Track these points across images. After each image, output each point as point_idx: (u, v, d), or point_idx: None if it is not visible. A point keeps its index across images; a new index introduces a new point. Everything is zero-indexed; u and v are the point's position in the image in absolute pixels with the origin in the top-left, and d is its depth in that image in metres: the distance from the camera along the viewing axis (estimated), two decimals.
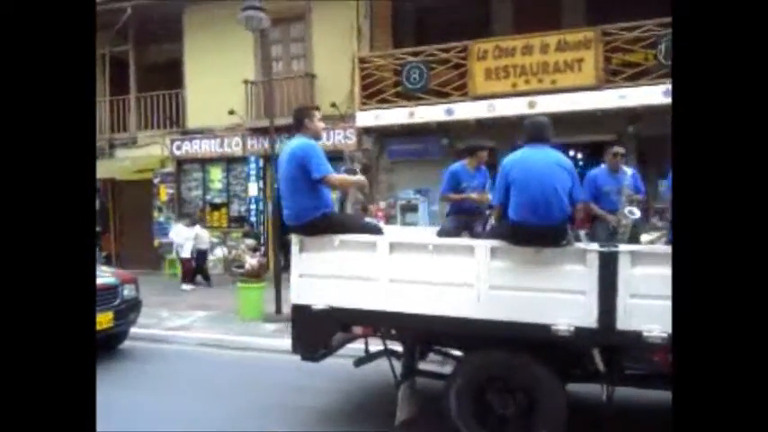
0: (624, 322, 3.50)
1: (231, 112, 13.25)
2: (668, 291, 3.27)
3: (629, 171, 5.76)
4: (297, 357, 4.47)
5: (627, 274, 3.50)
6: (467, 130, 11.42)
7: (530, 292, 3.68)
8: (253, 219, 13.76)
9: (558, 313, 3.61)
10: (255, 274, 8.99)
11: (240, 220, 14.07)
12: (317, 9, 13.13)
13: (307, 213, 4.14)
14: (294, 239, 4.23)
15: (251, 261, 9.30)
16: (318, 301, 4.10)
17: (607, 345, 3.71)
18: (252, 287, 8.85)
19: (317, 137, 4.42)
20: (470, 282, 3.78)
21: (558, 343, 3.68)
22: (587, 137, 10.69)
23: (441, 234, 5.92)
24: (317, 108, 4.60)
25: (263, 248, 12.66)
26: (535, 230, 3.67)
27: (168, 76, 14.87)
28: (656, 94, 9.68)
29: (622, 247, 3.61)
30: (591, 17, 11.49)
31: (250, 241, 10.72)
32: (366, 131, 12.33)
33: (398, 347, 4.63)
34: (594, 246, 3.70)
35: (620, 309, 3.51)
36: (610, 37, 10.18)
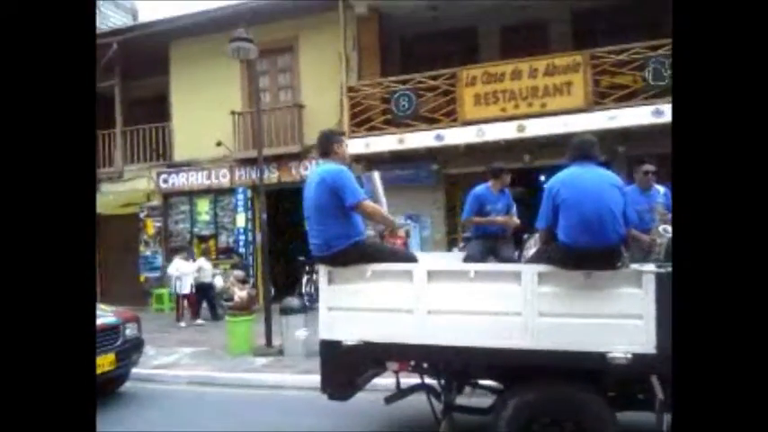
0: None
1: (218, 144, 13.12)
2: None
3: (661, 189, 5.48)
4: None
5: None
6: (456, 156, 11.35)
7: (582, 318, 3.47)
8: (241, 250, 13.51)
9: (613, 340, 3.41)
10: (244, 307, 8.71)
11: (228, 252, 13.82)
12: (303, 40, 13.17)
13: (338, 242, 3.87)
14: (322, 271, 3.96)
15: (240, 293, 9.03)
16: (350, 337, 3.82)
17: (666, 371, 3.48)
18: (240, 320, 8.55)
19: (345, 162, 4.20)
20: (517, 310, 3.55)
21: (614, 371, 3.47)
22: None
23: (467, 260, 5.69)
24: (344, 133, 4.45)
25: (252, 280, 12.37)
26: (589, 252, 3.46)
27: (154, 109, 14.78)
28: (644, 115, 9.70)
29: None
30: (578, 41, 11.59)
31: (239, 273, 10.43)
32: (356, 159, 12.22)
33: (430, 382, 4.39)
34: (650, 267, 3.48)
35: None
36: (598, 60, 10.23)
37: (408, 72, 11.83)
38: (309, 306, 9.14)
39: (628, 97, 10.07)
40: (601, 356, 3.40)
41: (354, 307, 3.85)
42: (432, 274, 3.73)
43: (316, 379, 6.81)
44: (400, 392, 4.48)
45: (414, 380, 4.42)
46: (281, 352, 8.08)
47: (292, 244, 13.53)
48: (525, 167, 11.09)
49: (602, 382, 3.70)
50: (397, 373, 4.36)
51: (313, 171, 4.17)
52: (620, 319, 3.42)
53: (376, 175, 4.61)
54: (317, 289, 12.35)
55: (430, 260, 4.98)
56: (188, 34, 13.72)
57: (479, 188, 6.11)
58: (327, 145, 4.20)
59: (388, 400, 4.44)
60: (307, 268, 12.34)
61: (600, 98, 10.22)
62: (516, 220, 6.09)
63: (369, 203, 3.99)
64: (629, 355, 3.37)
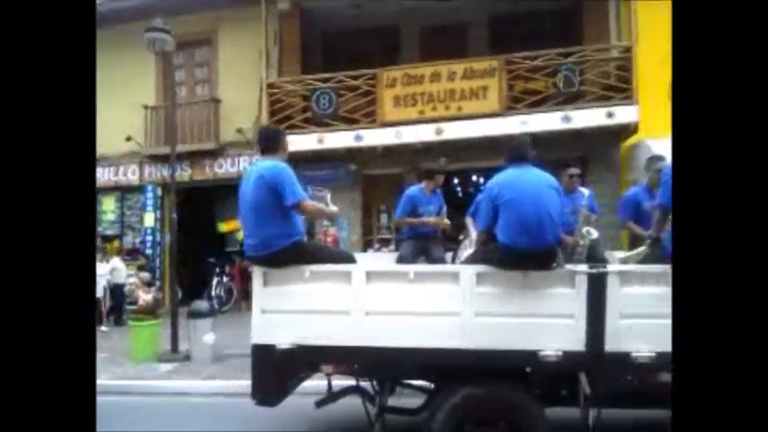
0: (612, 344, 3.45)
1: (128, 139, 12.54)
2: (656, 310, 3.42)
3: (585, 192, 5.62)
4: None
5: (615, 294, 3.45)
6: (374, 157, 11.34)
7: (517, 317, 3.54)
8: (149, 251, 12.97)
9: (546, 338, 3.50)
10: (149, 311, 8.33)
11: (134, 253, 13.22)
12: (223, 33, 12.80)
13: (276, 242, 3.75)
14: (257, 272, 3.82)
15: (144, 296, 8.64)
16: (285, 340, 3.71)
17: (595, 367, 3.57)
18: (145, 325, 8.16)
19: (285, 160, 4.04)
20: (455, 310, 3.57)
21: (545, 369, 3.57)
22: (491, 162, 10.84)
23: (399, 260, 5.69)
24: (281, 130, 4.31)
25: (158, 282, 11.88)
26: (528, 253, 3.52)
27: None
28: (555, 120, 10.01)
29: (611, 268, 3.55)
30: (495, 46, 11.83)
31: (144, 275, 9.96)
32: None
33: (362, 384, 4.32)
34: (584, 267, 3.58)
35: (609, 330, 3.45)
36: (513, 65, 10.46)
37: (330, 70, 11.71)
38: (219, 309, 8.87)
39: (539, 103, 10.37)
40: (533, 355, 3.48)
41: (290, 309, 3.76)
42: (371, 275, 3.70)
43: (224, 384, 6.74)
44: (332, 396, 4.37)
45: (345, 382, 4.36)
46: (187, 357, 7.81)
47: (203, 245, 13.12)
48: (441, 170, 11.19)
49: (533, 380, 3.77)
50: (329, 376, 4.24)
51: (251, 167, 4.01)
52: (552, 319, 3.51)
53: (327, 195, 4.59)
54: (227, 291, 12.20)
55: (366, 261, 4.92)
56: (99, 23, 12.98)
57: (412, 189, 6.15)
58: (268, 141, 4.06)
59: (319, 403, 4.34)
60: (217, 270, 12.02)
61: (514, 103, 10.47)
62: (447, 222, 6.14)
63: (309, 202, 3.90)
64: (560, 353, 3.46)
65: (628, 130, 10.08)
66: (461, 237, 5.18)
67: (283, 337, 3.72)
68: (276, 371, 3.86)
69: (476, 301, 3.55)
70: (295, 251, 3.79)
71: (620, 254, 4.78)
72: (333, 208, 4.28)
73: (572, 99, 10.14)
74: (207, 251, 12.70)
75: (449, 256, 5.84)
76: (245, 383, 6.48)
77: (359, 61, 11.68)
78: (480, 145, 10.32)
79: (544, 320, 3.51)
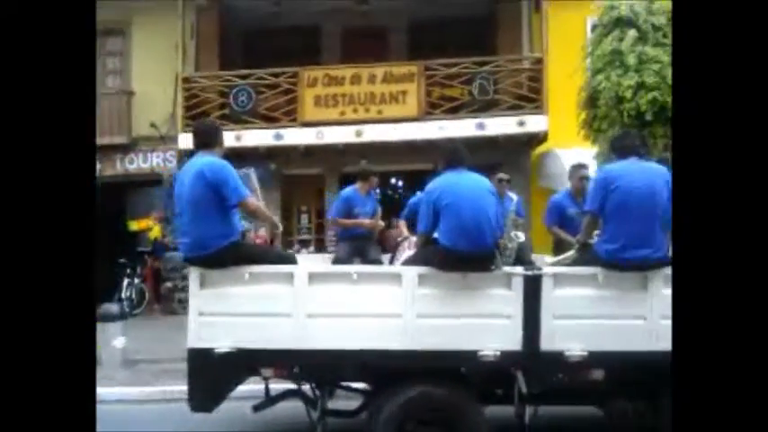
0: (547, 343, 3.59)
1: None
2: (587, 311, 3.67)
3: (514, 197, 5.82)
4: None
5: (549, 296, 3.59)
6: (295, 156, 11.32)
7: (458, 318, 3.62)
8: None
9: (485, 339, 3.60)
10: None
11: None
12: (138, 24, 12.32)
13: (214, 242, 3.61)
14: (194, 273, 3.67)
15: None
16: (223, 344, 3.61)
17: (531, 366, 3.71)
18: None
19: (223, 156, 3.91)
20: (398, 311, 3.61)
21: (483, 369, 3.68)
22: (409, 165, 11.16)
23: (335, 262, 5.62)
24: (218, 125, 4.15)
25: None
26: (468, 255, 3.61)
27: None
28: (470, 127, 10.42)
29: (546, 270, 3.70)
30: (414, 52, 12.11)
31: None
32: (189, 154, 11.66)
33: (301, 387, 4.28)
34: (520, 269, 3.70)
35: (544, 330, 3.59)
36: (431, 72, 10.78)
37: (250, 67, 11.56)
38: (129, 312, 8.58)
39: (456, 109, 10.74)
40: (473, 355, 3.57)
41: (229, 312, 3.66)
42: (313, 277, 3.66)
43: (138, 391, 6.51)
44: (270, 400, 4.27)
45: (283, 386, 4.30)
46: (96, 362, 7.49)
47: (113, 244, 12.57)
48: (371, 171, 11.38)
49: (472, 380, 3.86)
50: (266, 380, 4.18)
51: (189, 163, 3.83)
52: (491, 319, 3.62)
53: (253, 174, 4.44)
54: (138, 293, 11.78)
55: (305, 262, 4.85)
56: None
57: (348, 190, 6.17)
58: (209, 135, 3.90)
59: (257, 408, 4.23)
60: (127, 271, 11.56)
61: (431, 108, 10.78)
62: (382, 223, 6.18)
63: (253, 201, 3.82)
64: (499, 353, 3.57)
65: (538, 138, 10.64)
66: (399, 239, 5.22)
67: (222, 340, 3.62)
68: (214, 375, 3.74)
69: (418, 303, 3.61)
70: (234, 252, 3.69)
71: (549, 258, 4.95)
72: (243, 171, 4.17)
73: (486, 107, 10.58)
74: (117, 251, 12.19)
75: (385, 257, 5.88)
76: (159, 389, 6.36)
77: (279, 59, 11.60)
78: (399, 148, 10.56)
79: (483, 321, 3.62)
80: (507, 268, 3.72)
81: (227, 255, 3.65)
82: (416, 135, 10.48)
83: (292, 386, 4.21)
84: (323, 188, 11.84)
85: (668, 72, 7.28)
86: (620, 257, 3.61)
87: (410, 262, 4.00)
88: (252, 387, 4.34)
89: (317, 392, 4.16)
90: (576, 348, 3.57)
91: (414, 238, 4.54)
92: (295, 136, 10.97)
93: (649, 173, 3.73)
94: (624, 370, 3.82)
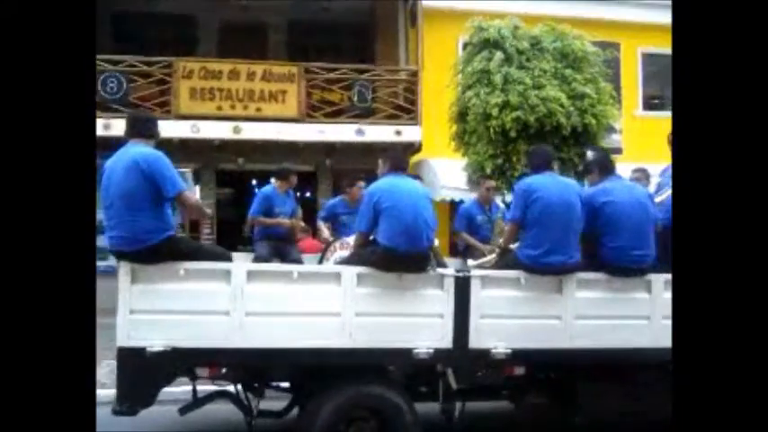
0: (475, 341, 3.80)
1: None
2: (510, 311, 3.90)
3: (501, 205, 6.09)
4: None
5: (477, 296, 3.81)
6: (168, 150, 10.85)
7: (394, 317, 3.75)
8: None
9: (419, 337, 3.74)
10: None
11: None
12: None
13: (149, 236, 3.46)
14: (124, 269, 3.49)
15: None
16: (156, 342, 3.47)
17: (460, 363, 3.89)
18: None
19: (156, 147, 3.75)
20: (337, 310, 3.67)
21: (417, 366, 3.82)
22: (288, 167, 11.16)
23: (256, 260, 5.51)
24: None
25: None
26: (408, 256, 3.76)
27: None
28: (349, 132, 10.71)
29: (474, 272, 3.92)
30: (294, 52, 12.17)
31: None
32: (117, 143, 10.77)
33: (230, 388, 4.19)
34: (451, 271, 3.91)
35: (472, 329, 3.79)
36: (311, 74, 10.90)
37: (119, 53, 10.91)
38: None
39: (335, 114, 10.99)
40: (408, 353, 3.72)
41: (163, 309, 3.53)
42: (252, 274, 3.62)
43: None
44: (197, 401, 4.14)
45: (211, 388, 4.19)
46: None
47: None
48: (238, 170, 11.21)
49: (404, 377, 4.02)
50: (194, 381, 4.07)
51: (119, 153, 3.63)
52: (425, 318, 3.80)
53: (189, 174, 4.36)
54: None
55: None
56: None
57: (266, 188, 6.11)
58: (143, 125, 3.75)
59: (183, 410, 4.08)
60: None
61: (312, 111, 10.92)
62: (302, 223, 6.16)
63: (190, 194, 3.70)
64: (432, 351, 3.74)
65: (413, 148, 11.18)
66: (331, 239, 5.28)
67: (155, 339, 3.50)
68: (146, 376, 3.58)
69: (356, 302, 3.69)
70: (169, 247, 3.57)
71: (471, 261, 5.16)
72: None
73: (366, 114, 10.92)
74: None
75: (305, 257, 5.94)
76: None
77: (153, 48, 11.11)
78: (279, 148, 10.57)
79: (417, 320, 3.79)
80: (440, 269, 3.93)
81: (163, 250, 3.53)
82: (297, 136, 10.57)
83: (220, 387, 4.15)
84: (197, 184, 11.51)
85: (531, 94, 8.09)
86: (541, 262, 3.90)
87: (347, 261, 4.08)
88: (174, 389, 4.20)
89: (249, 393, 4.10)
90: (500, 346, 3.83)
91: (347, 239, 4.67)
92: (169, 128, 10.49)
93: (564, 186, 4.12)
94: (542, 367, 4.19)
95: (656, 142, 10.49)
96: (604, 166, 4.43)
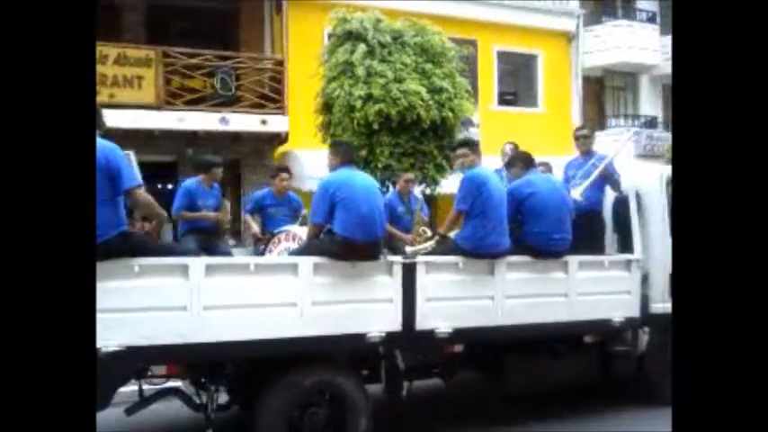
0: (421, 323, 4.06)
1: None
2: (451, 293, 4.21)
3: (419, 197, 6.12)
4: None
5: (422, 281, 4.08)
6: None
7: (349, 304, 3.91)
8: None
9: (371, 322, 3.94)
10: None
11: None
12: None
13: (104, 231, 3.28)
14: None
15: None
16: (111, 342, 3.33)
17: (408, 344, 4.17)
18: None
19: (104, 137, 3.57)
20: (293, 300, 3.76)
21: (369, 349, 4.06)
22: (145, 156, 10.56)
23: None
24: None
25: None
26: (363, 245, 3.94)
27: None
28: (213, 121, 10.33)
29: (419, 259, 4.19)
30: (152, 36, 11.49)
31: None
32: None
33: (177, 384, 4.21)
34: (399, 258, 4.14)
35: (418, 312, 4.05)
36: (170, 59, 10.35)
37: None
38: None
39: (197, 101, 10.53)
40: (362, 337, 3.89)
41: (117, 307, 3.39)
42: (210, 268, 3.61)
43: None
44: (143, 401, 4.03)
45: (156, 386, 4.14)
46: None
47: None
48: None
49: (357, 361, 4.22)
50: (139, 380, 4.02)
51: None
52: (376, 304, 3.98)
53: (132, 155, 4.25)
54: None
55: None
56: None
57: (189, 182, 5.88)
58: (99, 117, 3.59)
59: (130, 410, 3.98)
60: None
61: (171, 98, 10.39)
62: (229, 217, 6.14)
63: (143, 191, 3.66)
64: (383, 334, 3.93)
65: (280, 138, 11.03)
66: (276, 231, 5.17)
67: (109, 338, 3.35)
68: (103, 377, 3.35)
69: (313, 291, 3.79)
70: (123, 242, 3.46)
71: (410, 248, 5.31)
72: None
73: (230, 102, 10.59)
74: None
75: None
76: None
77: None
78: (136, 137, 9.93)
79: (370, 306, 3.97)
80: (389, 257, 4.14)
81: (117, 245, 3.42)
82: (154, 124, 10.01)
83: (165, 386, 4.15)
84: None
85: (393, 87, 8.29)
86: (480, 248, 4.27)
87: (301, 252, 4.16)
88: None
89: (207, 388, 4.05)
90: (443, 326, 4.14)
91: (293, 230, 4.77)
92: None
93: (499, 179, 4.64)
94: (478, 344, 4.55)
95: (510, 135, 11.31)
96: (527, 161, 4.92)
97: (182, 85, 10.64)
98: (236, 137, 10.67)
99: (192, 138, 10.65)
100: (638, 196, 5.17)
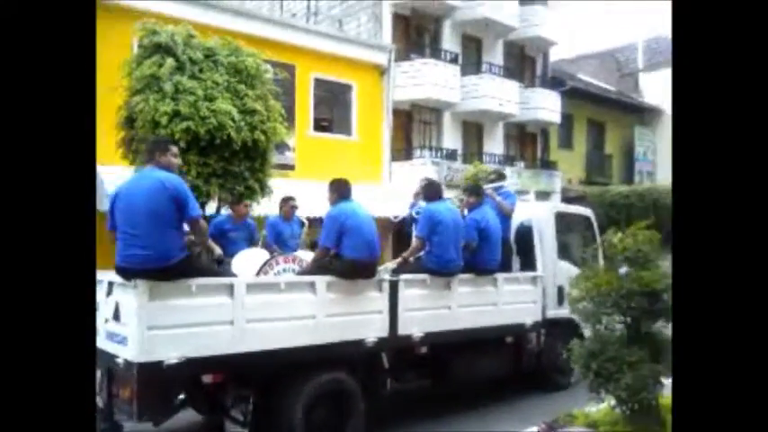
0: (402, 329, 5.04)
1: None
2: (421, 304, 5.23)
3: (304, 221, 6.85)
4: None
5: (403, 295, 5.07)
6: None
7: (351, 315, 4.73)
8: None
9: (367, 329, 4.81)
10: None
11: None
12: None
13: (175, 254, 3.83)
14: (142, 286, 3.74)
15: None
16: (172, 355, 3.77)
17: (392, 347, 5.06)
18: None
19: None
20: (313, 313, 4.48)
21: (366, 352, 4.81)
22: None
23: None
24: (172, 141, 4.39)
25: None
26: (367, 265, 4.80)
27: None
28: None
29: (402, 277, 5.17)
30: None
31: None
32: None
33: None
34: (387, 276, 5.07)
35: (400, 320, 5.02)
36: None
37: None
38: None
39: None
40: (361, 342, 4.75)
41: (178, 323, 3.86)
42: (250, 287, 4.19)
43: None
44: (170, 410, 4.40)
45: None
46: None
47: None
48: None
49: (358, 362, 4.88)
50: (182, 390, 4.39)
51: (140, 175, 4.06)
52: (370, 315, 4.88)
53: None
54: None
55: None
56: None
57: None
58: (161, 150, 4.06)
59: (157, 420, 4.27)
60: None
61: None
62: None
63: (203, 220, 4.19)
64: (376, 339, 4.84)
65: None
66: (273, 255, 5.59)
67: (170, 352, 3.78)
68: (165, 388, 3.97)
69: (326, 305, 4.56)
70: (188, 264, 3.96)
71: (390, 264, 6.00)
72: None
73: None
74: None
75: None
76: None
77: None
78: None
79: (366, 317, 4.85)
80: (380, 275, 5.02)
81: (184, 267, 3.91)
82: None
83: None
84: None
85: (202, 105, 8.03)
86: (442, 267, 5.37)
87: (309, 272, 4.79)
88: None
89: (243, 396, 4.40)
90: (416, 331, 5.16)
91: (293, 253, 5.40)
92: None
93: (452, 210, 5.60)
94: (439, 345, 5.44)
95: (326, 162, 11.57)
96: (480, 192, 6.09)
97: None
98: None
99: None
100: (538, 226, 6.77)
